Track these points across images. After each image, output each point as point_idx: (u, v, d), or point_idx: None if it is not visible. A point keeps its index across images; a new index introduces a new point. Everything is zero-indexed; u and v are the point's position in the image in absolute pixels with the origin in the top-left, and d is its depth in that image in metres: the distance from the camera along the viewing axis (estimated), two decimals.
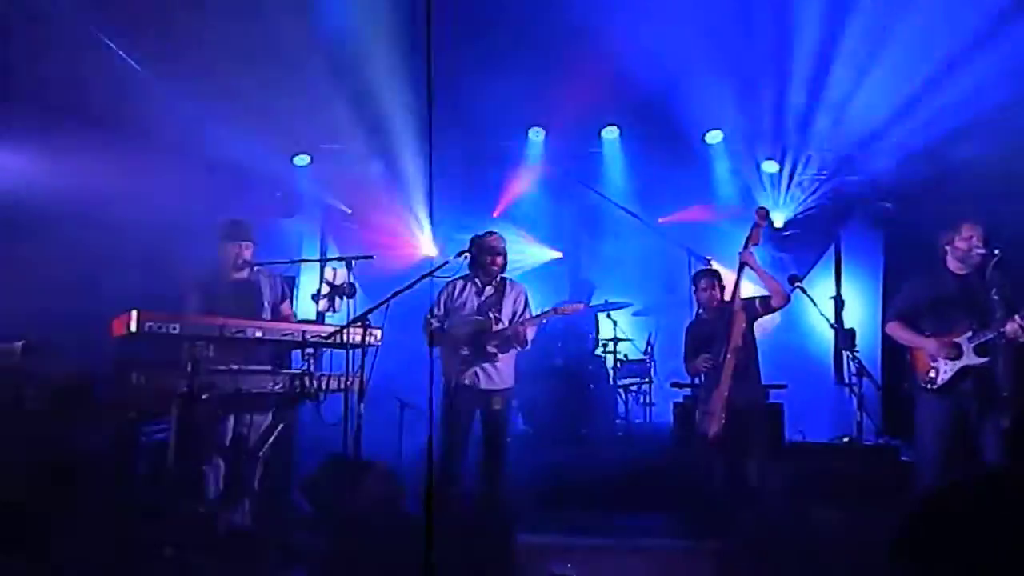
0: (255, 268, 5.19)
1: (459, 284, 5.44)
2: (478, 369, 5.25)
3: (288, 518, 5.48)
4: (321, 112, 7.59)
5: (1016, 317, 4.34)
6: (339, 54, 6.51)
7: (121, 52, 6.04)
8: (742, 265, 5.05)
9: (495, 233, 5.41)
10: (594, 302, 8.69)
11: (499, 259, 5.34)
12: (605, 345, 8.29)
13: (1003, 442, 4.31)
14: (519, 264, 9.52)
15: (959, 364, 4.58)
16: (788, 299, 5.10)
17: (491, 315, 5.30)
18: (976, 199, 6.46)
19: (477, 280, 5.42)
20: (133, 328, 3.92)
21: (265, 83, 6.62)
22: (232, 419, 5.00)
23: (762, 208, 5.17)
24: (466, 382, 5.24)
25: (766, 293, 5.15)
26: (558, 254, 9.54)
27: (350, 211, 8.93)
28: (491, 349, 5.22)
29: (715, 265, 6.96)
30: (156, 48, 6.15)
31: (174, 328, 4.06)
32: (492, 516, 5.18)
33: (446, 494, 5.25)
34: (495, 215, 9.14)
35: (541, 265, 9.67)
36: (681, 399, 6.84)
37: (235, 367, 4.46)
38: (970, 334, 4.56)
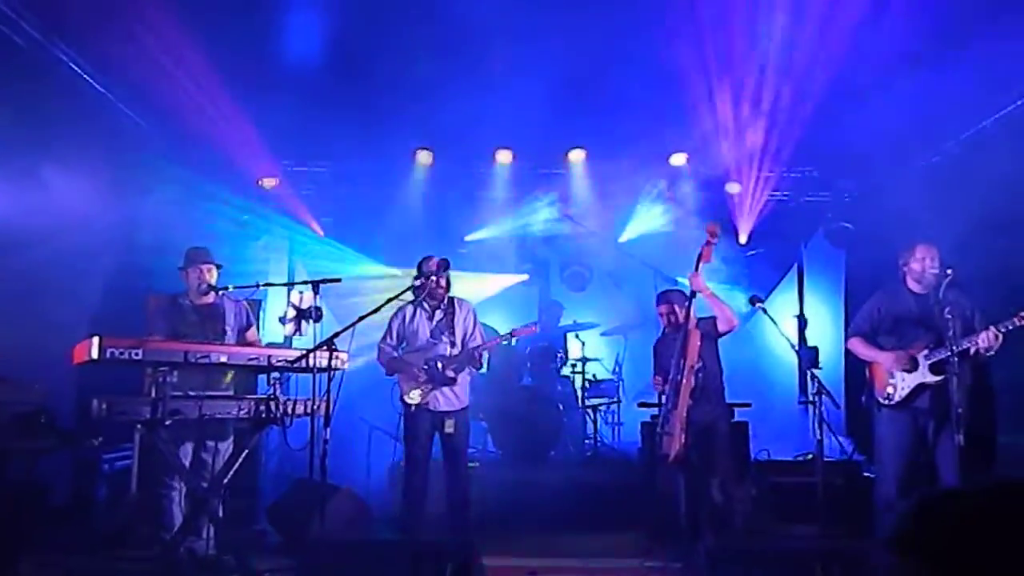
0: (220, 293, 5.17)
1: (408, 310, 5.52)
2: (437, 392, 5.34)
3: (254, 544, 5.43)
4: (289, 133, 7.58)
5: (991, 327, 4.46)
6: (308, 75, 6.51)
7: (85, 75, 6.00)
8: (693, 288, 5.12)
9: (433, 257, 5.43)
10: (562, 323, 8.74)
11: (443, 282, 5.40)
12: (574, 365, 8.33)
13: (959, 458, 4.40)
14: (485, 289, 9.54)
15: (915, 381, 4.69)
16: (734, 325, 5.17)
17: (444, 338, 5.42)
18: (935, 216, 6.68)
19: (425, 305, 5.49)
20: (95, 354, 3.87)
21: (232, 104, 6.59)
22: (195, 445, 4.96)
23: (712, 225, 5.23)
24: (425, 405, 5.32)
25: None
26: (524, 276, 9.57)
27: (322, 233, 8.89)
28: (449, 374, 5.33)
29: (683, 280, 7.04)
30: (121, 70, 6.11)
31: (136, 354, 4.01)
32: (460, 536, 5.20)
33: (414, 513, 5.30)
34: (467, 239, 9.16)
35: (510, 287, 9.69)
36: (649, 419, 6.89)
37: (199, 393, 4.41)
38: (926, 352, 4.67)
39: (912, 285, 4.89)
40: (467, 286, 9.11)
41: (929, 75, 6.03)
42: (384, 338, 5.51)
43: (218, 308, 5.20)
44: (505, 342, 5.96)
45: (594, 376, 8.38)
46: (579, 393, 8.11)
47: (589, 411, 7.98)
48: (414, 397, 5.32)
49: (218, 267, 5.21)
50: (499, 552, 5.13)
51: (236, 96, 6.49)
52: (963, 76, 5.93)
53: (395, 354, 5.49)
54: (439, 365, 5.33)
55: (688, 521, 5.08)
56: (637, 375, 8.34)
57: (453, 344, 5.42)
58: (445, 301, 5.50)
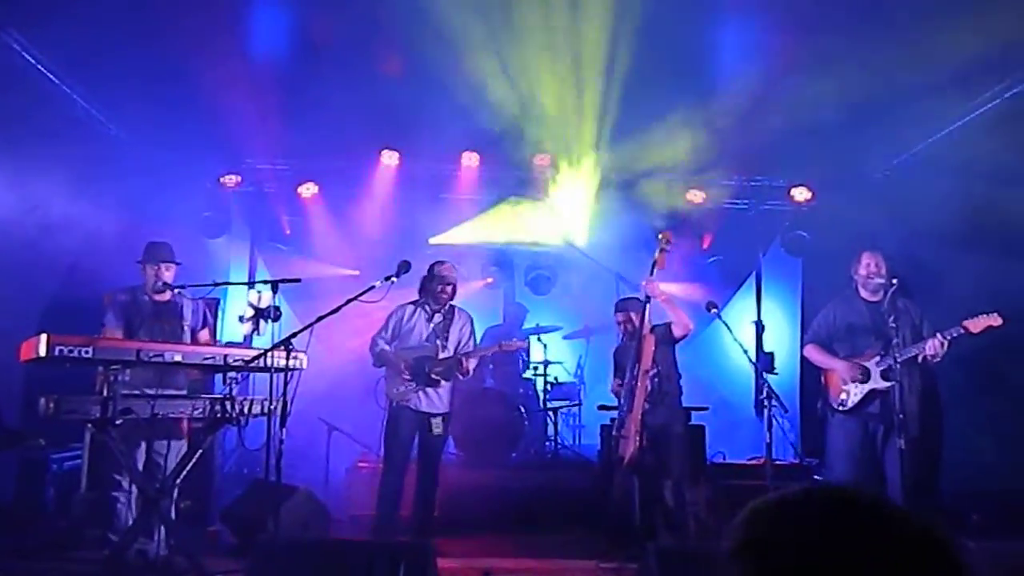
0: (176, 291, 5.11)
1: (409, 309, 5.61)
2: (421, 392, 5.42)
3: (207, 546, 5.36)
4: (253, 130, 7.51)
5: (937, 335, 4.65)
6: (273, 70, 6.46)
7: (39, 66, 5.89)
8: (647, 293, 5.20)
9: (447, 262, 5.60)
10: (526, 326, 8.76)
11: (449, 288, 5.56)
12: (536, 368, 8.36)
13: (902, 460, 4.54)
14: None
15: (866, 387, 4.83)
16: (689, 329, 5.27)
17: (438, 342, 5.52)
18: (887, 227, 6.85)
19: (427, 307, 5.61)
20: (43, 352, 3.78)
21: (192, 99, 6.52)
22: (148, 445, 4.89)
23: (665, 233, 5.33)
24: (408, 404, 5.40)
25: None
26: (489, 280, 9.56)
27: (288, 231, 8.79)
28: (435, 376, 5.41)
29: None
30: (77, 62, 6.01)
31: (86, 352, 3.94)
32: (421, 537, 5.20)
33: (388, 514, 5.33)
34: (431, 241, 9.13)
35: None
36: (608, 421, 6.95)
37: (152, 391, 4.35)
38: (878, 359, 4.82)
39: (864, 293, 5.03)
40: None
41: (884, 89, 6.21)
42: (380, 331, 5.60)
43: (175, 306, 5.14)
44: (492, 352, 6.09)
45: (556, 379, 8.42)
46: (541, 396, 8.15)
47: (550, 413, 8.02)
48: (398, 394, 5.40)
49: (176, 264, 5.15)
50: (456, 553, 5.14)
51: (198, 91, 6.40)
52: (916, 91, 6.10)
53: (387, 348, 5.54)
54: (425, 366, 5.41)
55: (642, 523, 5.14)
56: (599, 378, 8.41)
57: (445, 349, 5.52)
58: (446, 307, 5.62)
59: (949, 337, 4.65)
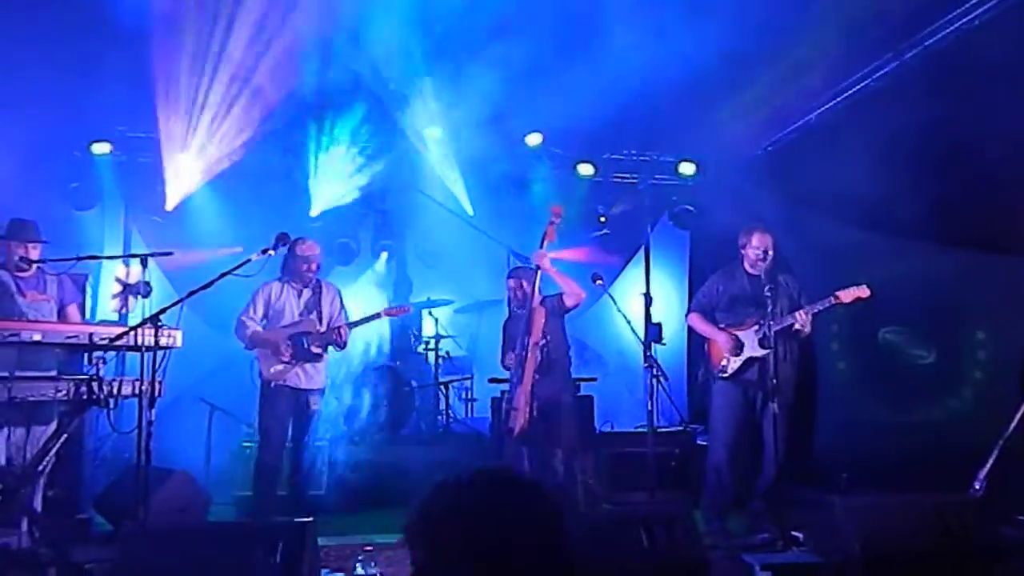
0: (37, 267, 4.79)
1: (276, 287, 5.52)
2: (299, 369, 5.37)
3: (78, 536, 5.08)
4: (124, 97, 7.08)
5: (803, 308, 4.88)
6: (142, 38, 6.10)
7: None
8: (538, 265, 5.24)
9: (308, 240, 5.53)
10: (417, 299, 8.65)
11: (313, 265, 5.51)
12: (427, 342, 8.30)
13: (775, 425, 4.76)
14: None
15: (744, 356, 5.01)
16: (580, 298, 5.33)
17: (313, 318, 5.49)
18: (768, 201, 7.11)
19: (293, 284, 5.53)
20: None
21: (59, 64, 6.08)
22: (8, 431, 4.56)
23: (556, 206, 5.39)
24: (285, 382, 5.34)
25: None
26: (384, 255, 9.37)
27: (170, 207, 8.28)
28: (315, 350, 5.38)
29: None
30: None
31: None
32: (298, 515, 5.08)
33: (266, 494, 5.25)
34: (313, 213, 8.85)
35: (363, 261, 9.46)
36: (499, 394, 6.97)
37: (7, 373, 4.05)
38: (756, 328, 5.00)
39: (747, 267, 5.20)
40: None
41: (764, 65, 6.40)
42: (247, 311, 5.43)
43: (38, 283, 4.83)
44: (376, 320, 5.93)
45: (447, 353, 8.38)
46: (432, 370, 8.10)
47: (442, 387, 7.99)
48: (276, 373, 5.29)
49: (43, 243, 4.83)
50: (339, 530, 5.06)
51: (66, 56, 5.99)
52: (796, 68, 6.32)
53: (258, 328, 5.41)
54: (304, 341, 5.35)
55: None
56: (491, 351, 8.39)
57: (322, 323, 5.49)
58: (313, 283, 5.56)
59: (821, 307, 4.88)
